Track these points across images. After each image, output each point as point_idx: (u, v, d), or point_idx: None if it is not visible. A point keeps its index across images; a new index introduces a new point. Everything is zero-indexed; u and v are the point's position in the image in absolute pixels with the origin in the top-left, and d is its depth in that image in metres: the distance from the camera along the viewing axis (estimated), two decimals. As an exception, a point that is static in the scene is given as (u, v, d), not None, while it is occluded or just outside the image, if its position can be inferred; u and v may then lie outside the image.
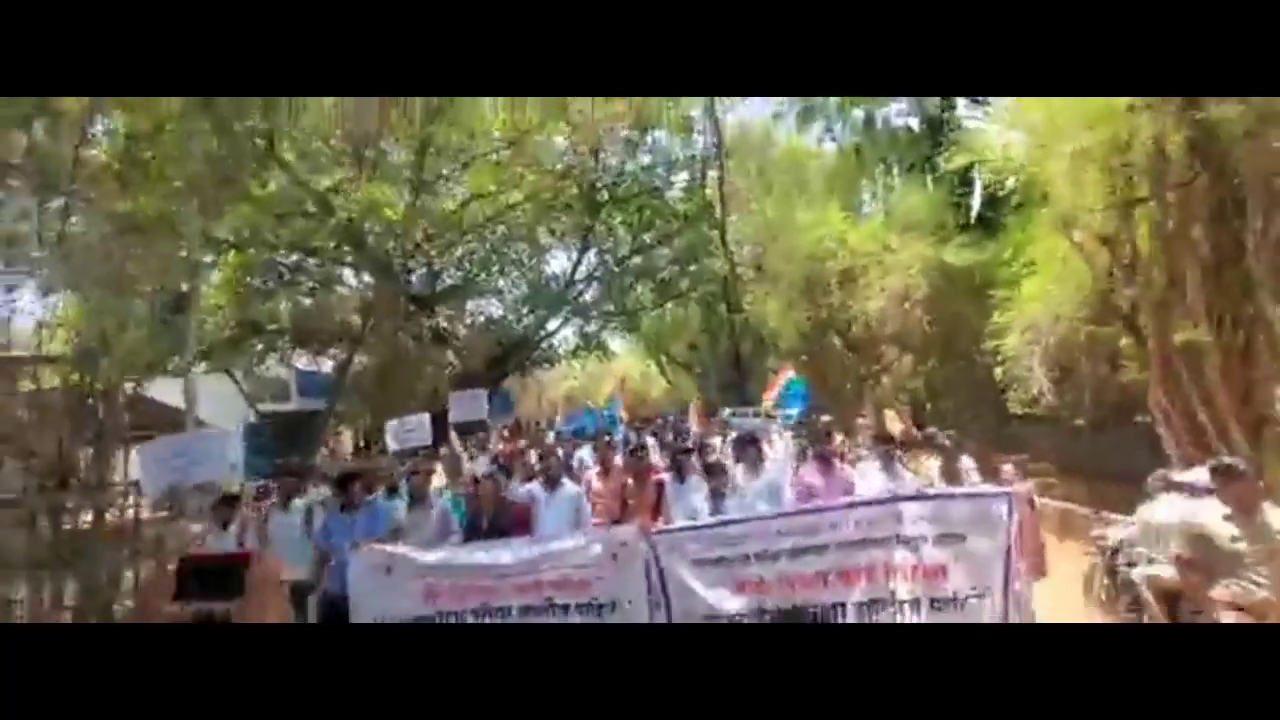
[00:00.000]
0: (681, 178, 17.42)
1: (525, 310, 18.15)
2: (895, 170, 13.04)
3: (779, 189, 12.88)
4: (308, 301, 14.38)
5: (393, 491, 4.98)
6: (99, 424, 6.37)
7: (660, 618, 3.09)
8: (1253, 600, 2.80)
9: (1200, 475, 3.51)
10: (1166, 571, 3.36)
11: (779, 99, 16.17)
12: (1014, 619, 2.88)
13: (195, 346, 10.32)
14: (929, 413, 12.57)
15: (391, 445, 8.53)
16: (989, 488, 3.47)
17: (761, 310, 12.67)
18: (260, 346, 14.27)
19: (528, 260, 18.19)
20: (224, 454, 5.46)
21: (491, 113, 11.95)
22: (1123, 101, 4.32)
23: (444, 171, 14.19)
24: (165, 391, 8.88)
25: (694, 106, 15.72)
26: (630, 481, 4.95)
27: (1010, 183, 5.66)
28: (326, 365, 16.29)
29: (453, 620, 3.13)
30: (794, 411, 10.25)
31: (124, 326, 6.96)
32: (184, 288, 8.85)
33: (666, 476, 4.78)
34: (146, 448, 5.46)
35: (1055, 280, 5.92)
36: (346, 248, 12.84)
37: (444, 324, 14.93)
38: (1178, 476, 3.96)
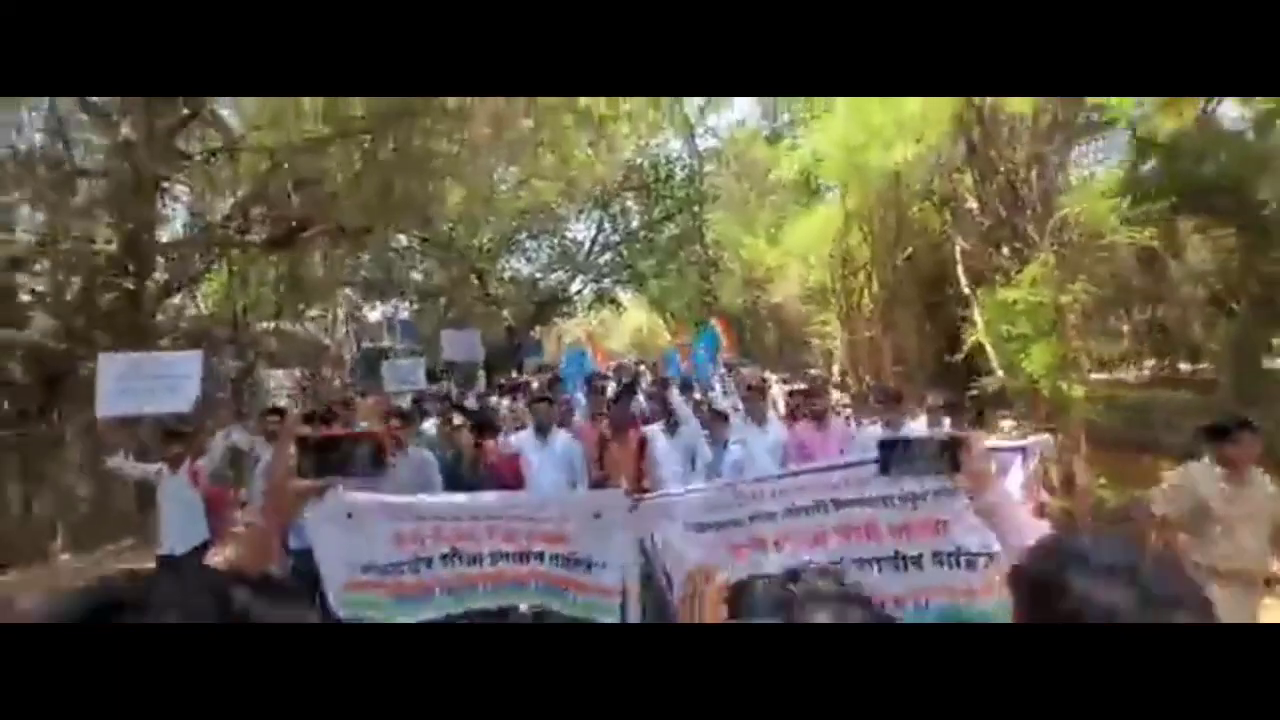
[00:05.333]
0: (680, 169, 21.65)
1: (551, 270, 22.94)
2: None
3: (745, 197, 17.12)
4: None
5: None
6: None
7: (659, 582, 2.98)
8: (1235, 566, 2.72)
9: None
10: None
11: (764, 119, 19.91)
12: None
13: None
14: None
15: (388, 387, 8.38)
16: (1004, 442, 3.23)
17: (723, 291, 17.42)
18: (354, 295, 19.24)
19: (551, 229, 22.71)
20: (190, 381, 4.45)
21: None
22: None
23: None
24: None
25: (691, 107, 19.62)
26: (610, 435, 4.65)
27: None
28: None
29: (423, 567, 3.05)
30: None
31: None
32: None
33: (656, 427, 4.49)
34: (109, 359, 4.44)
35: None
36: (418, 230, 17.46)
37: (490, 289, 19.80)
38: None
